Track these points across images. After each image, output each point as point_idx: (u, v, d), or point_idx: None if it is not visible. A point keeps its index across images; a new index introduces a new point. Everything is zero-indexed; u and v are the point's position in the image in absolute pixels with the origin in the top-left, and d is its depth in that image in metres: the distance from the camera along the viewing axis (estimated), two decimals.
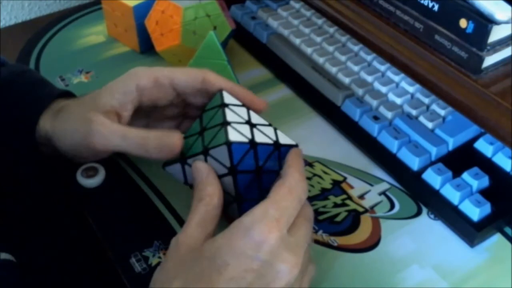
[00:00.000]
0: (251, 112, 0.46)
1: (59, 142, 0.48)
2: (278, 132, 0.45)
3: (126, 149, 0.46)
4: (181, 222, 0.49)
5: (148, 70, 0.48)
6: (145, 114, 0.50)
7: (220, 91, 0.46)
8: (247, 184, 0.43)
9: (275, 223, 0.38)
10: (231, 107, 0.44)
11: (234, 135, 0.41)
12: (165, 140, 0.44)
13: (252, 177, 0.43)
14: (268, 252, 0.37)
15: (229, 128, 0.42)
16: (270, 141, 0.43)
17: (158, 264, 0.45)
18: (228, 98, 0.46)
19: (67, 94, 0.52)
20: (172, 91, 0.48)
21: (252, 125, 0.44)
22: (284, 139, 0.44)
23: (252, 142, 0.42)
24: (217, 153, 0.42)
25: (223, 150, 0.41)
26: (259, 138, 0.42)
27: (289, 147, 0.44)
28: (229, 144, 0.41)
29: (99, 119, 0.45)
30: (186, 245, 0.39)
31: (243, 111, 0.45)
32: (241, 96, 0.47)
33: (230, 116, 0.43)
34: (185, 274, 0.38)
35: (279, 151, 0.43)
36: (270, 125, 0.45)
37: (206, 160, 0.42)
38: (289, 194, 0.40)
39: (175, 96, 0.49)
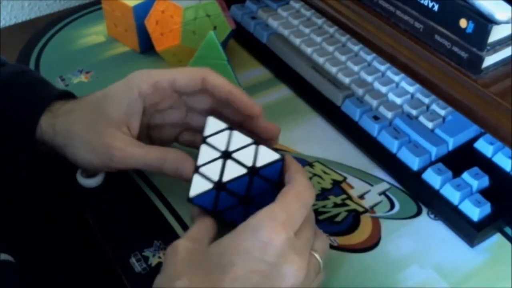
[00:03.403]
0: (233, 133, 0.43)
1: (64, 148, 0.48)
2: (260, 149, 0.43)
3: (142, 169, 0.49)
4: (181, 222, 0.49)
5: (147, 75, 0.47)
6: (145, 120, 0.50)
7: (206, 118, 0.44)
8: (243, 214, 0.42)
9: (282, 226, 0.38)
10: (209, 140, 0.43)
11: (196, 188, 0.43)
12: (180, 167, 0.46)
13: (242, 207, 0.43)
14: (275, 254, 0.37)
15: (194, 178, 0.43)
16: (244, 171, 0.43)
17: (158, 264, 0.46)
18: (210, 127, 0.44)
19: (67, 95, 0.52)
20: (173, 93, 0.48)
21: (227, 156, 0.43)
22: (264, 158, 0.43)
23: (218, 184, 0.43)
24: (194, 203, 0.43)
25: (191, 204, 0.43)
26: (230, 173, 0.43)
27: (271, 164, 0.42)
28: (190, 200, 0.43)
29: (118, 144, 0.46)
30: (185, 247, 0.39)
31: (223, 137, 0.43)
32: (236, 101, 0.47)
33: (203, 155, 0.43)
34: (189, 275, 0.38)
35: (258, 174, 0.43)
36: (252, 143, 0.43)
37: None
38: (296, 199, 0.40)
39: (176, 99, 0.49)
